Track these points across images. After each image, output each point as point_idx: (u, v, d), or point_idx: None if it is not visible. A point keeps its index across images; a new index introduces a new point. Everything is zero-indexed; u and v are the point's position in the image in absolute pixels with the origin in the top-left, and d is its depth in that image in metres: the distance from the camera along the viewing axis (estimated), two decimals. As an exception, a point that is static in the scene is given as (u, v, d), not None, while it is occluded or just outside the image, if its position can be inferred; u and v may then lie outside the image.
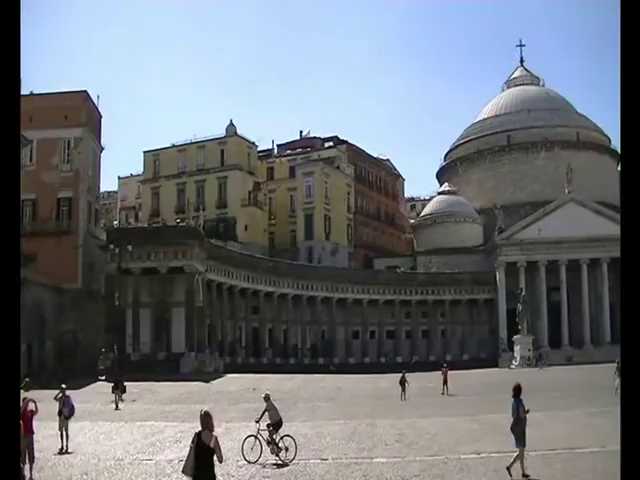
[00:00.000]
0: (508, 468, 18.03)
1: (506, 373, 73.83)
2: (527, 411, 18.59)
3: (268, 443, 22.26)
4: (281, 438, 22.31)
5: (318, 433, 28.51)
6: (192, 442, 12.52)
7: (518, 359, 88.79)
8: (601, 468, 18.81)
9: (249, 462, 21.62)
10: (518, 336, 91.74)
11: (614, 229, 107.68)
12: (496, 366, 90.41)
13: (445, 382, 49.58)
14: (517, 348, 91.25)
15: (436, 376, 51.41)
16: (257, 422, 22.66)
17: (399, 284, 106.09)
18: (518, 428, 18.38)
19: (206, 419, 12.64)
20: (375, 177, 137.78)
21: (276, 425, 22.42)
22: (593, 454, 21.06)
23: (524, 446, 18.30)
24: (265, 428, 22.49)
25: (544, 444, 22.51)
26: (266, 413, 22.75)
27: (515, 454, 18.42)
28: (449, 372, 51.28)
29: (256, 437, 22.42)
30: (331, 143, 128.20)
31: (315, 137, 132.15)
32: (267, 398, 23.05)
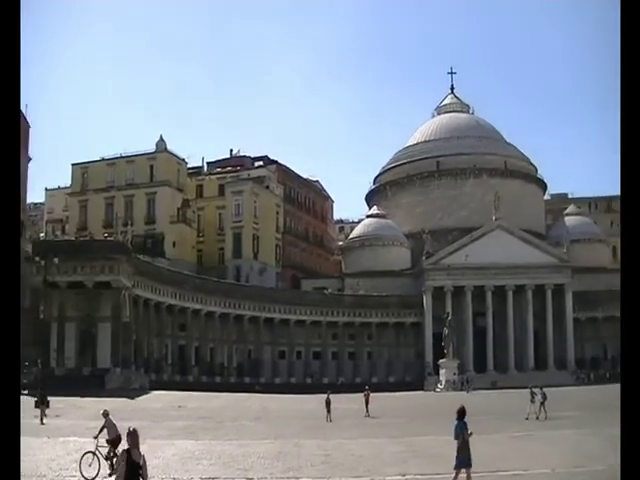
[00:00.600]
0: None
1: (432, 396, 74.42)
2: (470, 434, 18.68)
3: (106, 459, 21.94)
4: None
5: (244, 452, 28.29)
6: (122, 459, 12.40)
7: (444, 383, 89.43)
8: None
9: (86, 479, 21.32)
10: (444, 360, 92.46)
11: (539, 257, 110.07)
12: (422, 389, 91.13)
13: (367, 404, 49.52)
14: (443, 372, 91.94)
15: (362, 398, 51.42)
16: (95, 438, 22.38)
17: (326, 305, 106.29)
18: (464, 450, 18.44)
19: (134, 437, 12.56)
20: (304, 198, 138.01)
21: (115, 441, 22.04)
22: (515, 476, 21.19)
23: (470, 467, 18.34)
24: (104, 444, 22.19)
25: (475, 466, 22.64)
26: (105, 429, 22.43)
27: (453, 476, 18.42)
28: (371, 394, 51.27)
29: (94, 453, 22.17)
30: (261, 163, 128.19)
31: (245, 156, 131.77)
32: (106, 414, 22.73)
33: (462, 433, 18.41)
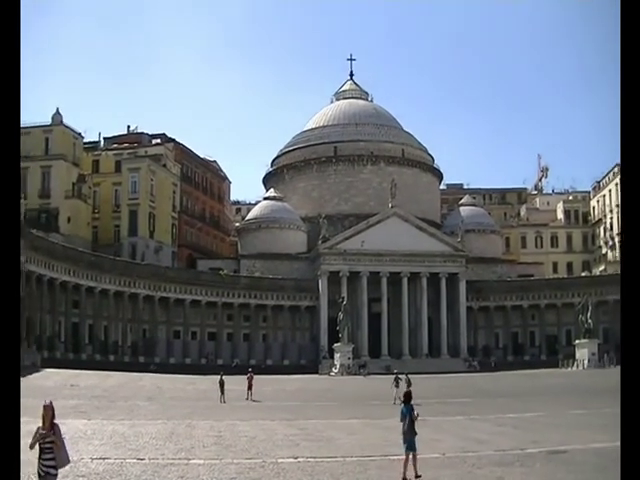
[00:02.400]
0: (404, 478, 18.25)
1: (326, 380, 74.97)
2: (417, 416, 18.90)
3: None
4: None
5: (136, 432, 28.14)
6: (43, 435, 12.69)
7: (338, 367, 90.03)
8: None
9: None
10: (338, 344, 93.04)
11: (434, 245, 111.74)
12: (316, 373, 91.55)
13: (250, 387, 48.92)
14: (337, 356, 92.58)
15: (256, 380, 51.49)
16: None
17: (222, 286, 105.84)
18: (410, 433, 18.59)
19: (45, 410, 12.82)
20: (202, 178, 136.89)
21: None
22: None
23: (415, 450, 18.50)
24: None
25: (360, 451, 22.95)
26: None
27: (404, 459, 18.59)
28: (254, 377, 50.86)
29: None
30: (158, 140, 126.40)
31: (143, 133, 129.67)
32: None
33: (408, 416, 18.59)
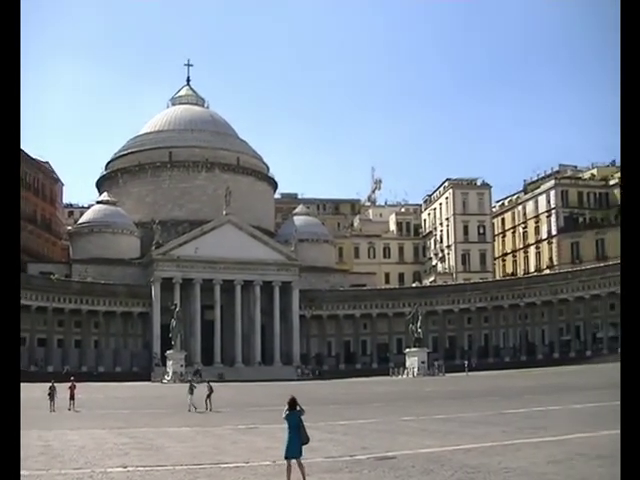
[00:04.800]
0: None
1: (158, 388, 74.17)
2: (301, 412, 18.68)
3: None
4: None
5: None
6: None
7: (171, 374, 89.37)
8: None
9: None
10: (171, 351, 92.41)
11: (268, 254, 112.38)
12: (149, 380, 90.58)
13: (72, 397, 46.18)
14: (170, 363, 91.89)
15: (85, 387, 50.30)
16: None
17: (53, 291, 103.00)
18: (299, 440, 18.27)
19: None
20: (33, 179, 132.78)
21: None
22: (237, 469, 21.57)
23: (299, 456, 18.18)
24: None
25: (191, 459, 22.84)
26: None
27: (286, 465, 18.31)
28: (77, 385, 48.92)
29: None
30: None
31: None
32: None
33: (294, 423, 18.31)
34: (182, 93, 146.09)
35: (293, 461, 17.92)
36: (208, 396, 43.79)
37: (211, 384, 46.36)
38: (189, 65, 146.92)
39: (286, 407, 18.20)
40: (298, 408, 18.31)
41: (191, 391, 44.52)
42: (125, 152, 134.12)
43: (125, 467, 21.54)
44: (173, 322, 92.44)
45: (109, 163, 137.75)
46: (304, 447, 18.06)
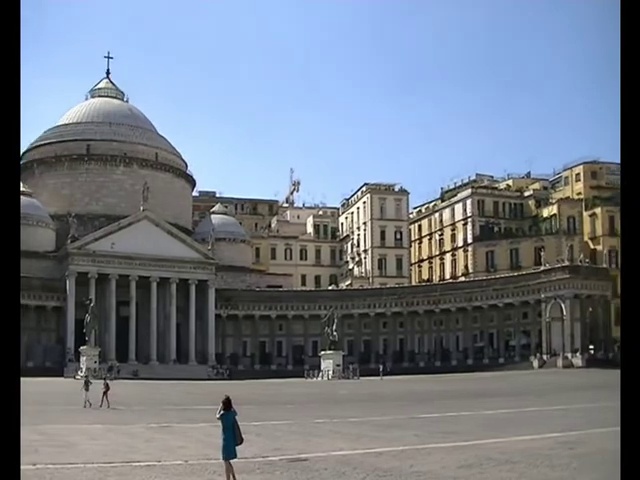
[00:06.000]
0: None
1: (71, 383, 73.11)
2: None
3: None
4: None
5: None
6: None
7: (84, 370, 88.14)
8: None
9: None
10: (85, 347, 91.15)
11: (185, 251, 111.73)
12: (62, 376, 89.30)
13: None
14: (83, 359, 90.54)
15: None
16: None
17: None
18: (234, 441, 17.95)
19: None
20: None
21: None
22: (149, 468, 21.31)
23: (233, 458, 17.88)
24: None
25: (102, 457, 22.52)
26: None
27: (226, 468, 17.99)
28: None
29: None
30: None
31: None
32: None
33: (229, 423, 18.01)
34: (101, 85, 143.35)
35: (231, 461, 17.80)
36: (104, 393, 43.53)
37: (107, 381, 46.22)
38: (109, 57, 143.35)
39: (220, 407, 17.94)
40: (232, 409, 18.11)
41: (87, 387, 44.38)
42: (42, 143, 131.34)
43: (34, 465, 21.09)
44: (88, 317, 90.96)
45: (25, 153, 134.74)
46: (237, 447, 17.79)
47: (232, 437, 17.68)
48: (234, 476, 17.64)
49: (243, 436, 17.91)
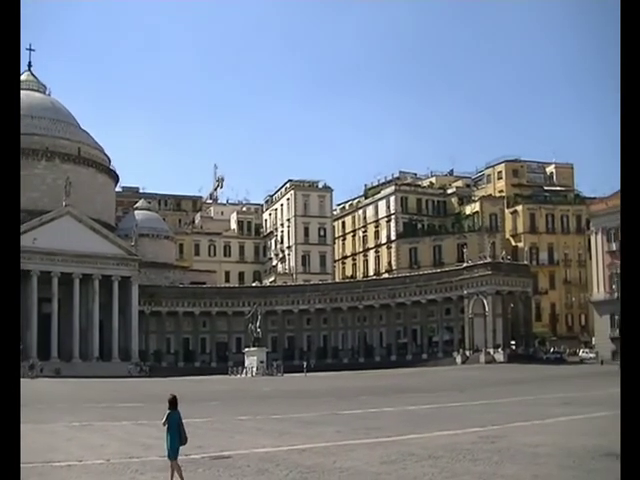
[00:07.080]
0: None
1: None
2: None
3: None
4: None
5: None
6: None
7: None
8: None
9: None
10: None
11: (108, 247, 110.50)
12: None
13: None
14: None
15: None
16: None
17: None
18: (178, 441, 17.67)
19: None
20: None
21: None
22: (69, 468, 21.01)
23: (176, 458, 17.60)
24: None
25: (21, 457, 22.15)
26: None
27: (171, 469, 17.69)
28: None
29: None
30: None
31: None
32: None
33: (174, 423, 17.75)
34: (23, 78, 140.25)
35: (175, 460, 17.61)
36: None
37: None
38: (31, 50, 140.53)
39: (167, 406, 17.79)
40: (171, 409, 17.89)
41: None
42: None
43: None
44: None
45: None
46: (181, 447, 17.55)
47: (177, 437, 17.53)
48: (181, 476, 17.47)
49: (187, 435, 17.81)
